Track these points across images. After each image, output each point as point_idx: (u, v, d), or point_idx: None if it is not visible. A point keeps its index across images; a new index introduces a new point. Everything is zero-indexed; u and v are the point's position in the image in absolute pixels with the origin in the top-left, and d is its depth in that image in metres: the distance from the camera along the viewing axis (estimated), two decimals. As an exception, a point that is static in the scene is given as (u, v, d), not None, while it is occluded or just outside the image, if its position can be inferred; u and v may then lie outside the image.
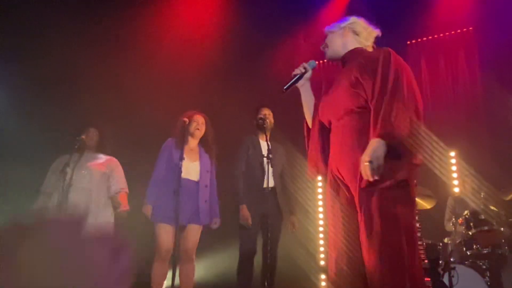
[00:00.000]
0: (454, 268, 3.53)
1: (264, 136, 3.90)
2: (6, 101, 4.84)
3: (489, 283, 3.64)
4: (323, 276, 5.27)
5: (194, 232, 3.67)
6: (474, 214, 4.01)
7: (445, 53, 5.51)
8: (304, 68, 2.37)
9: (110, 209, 3.76)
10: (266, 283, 3.56)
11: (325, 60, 2.52)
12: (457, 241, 4.14)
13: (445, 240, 4.28)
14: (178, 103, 4.27)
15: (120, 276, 0.80)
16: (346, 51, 2.30)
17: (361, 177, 1.95)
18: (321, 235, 5.44)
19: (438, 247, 3.80)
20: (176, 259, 3.30)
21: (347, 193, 2.09)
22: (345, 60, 2.30)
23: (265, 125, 3.94)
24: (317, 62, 2.48)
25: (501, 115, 4.65)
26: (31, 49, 4.86)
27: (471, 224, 3.97)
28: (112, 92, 5.00)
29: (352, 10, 5.72)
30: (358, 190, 1.97)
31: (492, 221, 3.94)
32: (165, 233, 3.61)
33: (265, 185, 3.88)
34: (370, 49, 2.32)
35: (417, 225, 3.18)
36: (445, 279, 3.52)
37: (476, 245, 3.92)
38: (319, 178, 5.64)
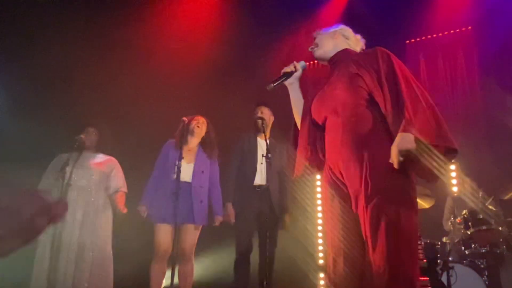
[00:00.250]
0: (452, 267, 3.54)
1: (263, 135, 3.91)
2: (4, 101, 4.83)
3: (487, 282, 3.65)
4: (321, 275, 5.28)
5: (190, 232, 3.68)
6: (472, 213, 4.02)
7: (444, 52, 5.52)
8: (295, 67, 2.37)
9: (110, 209, 3.77)
10: (265, 283, 3.56)
11: (315, 62, 2.49)
12: (456, 240, 4.15)
13: (444, 239, 4.29)
14: (178, 103, 4.28)
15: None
16: (335, 51, 2.32)
17: (366, 180, 1.93)
18: (319, 234, 5.44)
19: (437, 246, 3.82)
20: (175, 259, 3.31)
21: (346, 191, 2.07)
22: (335, 60, 2.31)
23: (262, 124, 3.95)
24: (307, 63, 2.48)
25: (499, 114, 4.65)
26: (29, 49, 4.85)
27: (470, 223, 3.98)
28: (111, 91, 5.00)
29: (351, 10, 5.73)
30: (364, 192, 1.94)
31: (490, 221, 3.94)
32: (163, 234, 3.63)
33: (256, 183, 3.90)
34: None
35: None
36: (444, 278, 3.53)
37: (474, 244, 3.93)
38: (318, 177, 5.64)
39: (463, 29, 5.42)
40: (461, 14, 5.33)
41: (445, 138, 1.94)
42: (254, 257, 3.92)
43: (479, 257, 3.87)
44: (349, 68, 2.13)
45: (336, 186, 2.11)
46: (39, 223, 0.82)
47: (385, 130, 2.01)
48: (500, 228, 3.93)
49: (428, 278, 3.51)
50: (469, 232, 3.97)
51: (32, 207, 0.82)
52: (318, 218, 5.52)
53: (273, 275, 3.81)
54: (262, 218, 3.79)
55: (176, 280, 3.30)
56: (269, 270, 3.66)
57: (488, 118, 4.97)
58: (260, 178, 3.93)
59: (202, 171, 3.78)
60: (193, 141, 3.88)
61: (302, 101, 2.39)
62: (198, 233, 3.77)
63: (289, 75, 2.36)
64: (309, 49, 2.41)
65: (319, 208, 5.55)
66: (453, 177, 5.02)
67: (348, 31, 2.40)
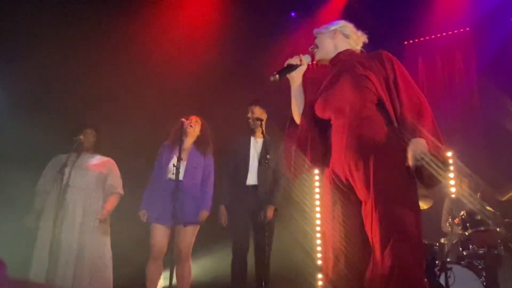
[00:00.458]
0: (450, 269, 3.54)
1: (256, 134, 3.95)
2: (3, 101, 4.83)
3: (485, 283, 3.65)
4: (320, 276, 5.28)
5: (186, 233, 3.66)
6: (470, 214, 4.02)
7: (442, 54, 5.53)
8: (300, 60, 2.29)
9: (107, 210, 3.77)
10: (263, 283, 3.56)
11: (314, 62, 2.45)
12: (454, 242, 4.15)
13: (442, 240, 4.30)
14: (175, 104, 4.28)
15: None
16: (337, 52, 2.29)
17: (372, 182, 1.92)
18: (318, 235, 5.44)
19: (435, 247, 3.81)
20: (173, 259, 3.31)
21: (349, 194, 2.05)
22: (337, 60, 2.28)
23: (253, 124, 3.98)
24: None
25: (497, 115, 4.66)
26: (28, 49, 4.85)
27: (468, 224, 3.98)
28: (109, 93, 5.00)
29: (350, 10, 5.73)
30: (370, 195, 1.93)
31: (488, 222, 3.95)
32: (157, 234, 3.65)
33: (248, 183, 3.90)
34: (358, 52, 2.34)
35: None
36: (442, 280, 3.53)
37: (472, 245, 3.93)
38: (317, 178, 5.64)
39: (461, 30, 5.43)
40: (459, 15, 5.34)
41: (443, 143, 1.98)
42: (252, 257, 3.92)
43: (477, 258, 3.87)
44: (354, 69, 2.11)
45: (340, 189, 2.09)
46: None
47: (391, 132, 2.01)
48: (498, 229, 3.94)
49: (426, 279, 3.50)
50: (467, 233, 3.97)
51: None
52: (317, 218, 5.53)
53: (270, 275, 3.81)
54: (256, 217, 3.80)
55: (174, 280, 3.30)
56: (265, 270, 3.65)
57: (485, 119, 4.98)
58: (252, 178, 3.94)
59: (195, 167, 3.77)
60: (188, 141, 3.89)
61: (303, 96, 2.33)
62: (194, 233, 3.77)
63: (294, 67, 2.27)
64: (310, 50, 2.37)
65: (318, 209, 5.56)
66: (451, 178, 5.03)
67: (348, 28, 2.35)
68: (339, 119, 2.12)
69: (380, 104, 2.05)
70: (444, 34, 5.52)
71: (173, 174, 3.42)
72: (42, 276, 3.39)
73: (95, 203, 3.70)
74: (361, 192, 1.99)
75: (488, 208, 4.04)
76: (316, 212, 5.54)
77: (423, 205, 4.07)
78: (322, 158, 2.21)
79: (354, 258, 1.99)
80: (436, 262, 3.63)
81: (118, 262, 3.82)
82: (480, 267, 3.78)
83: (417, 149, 1.89)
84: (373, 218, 1.91)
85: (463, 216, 4.06)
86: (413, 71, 5.35)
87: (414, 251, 1.86)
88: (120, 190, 3.87)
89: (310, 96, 2.32)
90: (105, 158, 3.90)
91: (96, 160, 3.84)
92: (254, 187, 3.90)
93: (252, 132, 4.07)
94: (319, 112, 2.22)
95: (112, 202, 3.79)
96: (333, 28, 2.33)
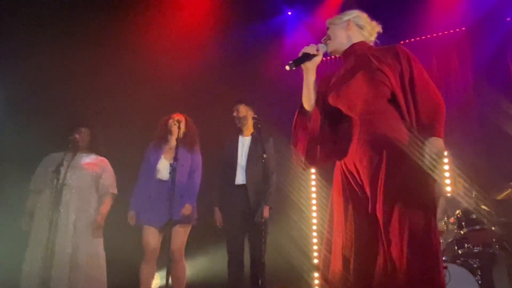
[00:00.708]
0: (445, 267, 3.55)
1: (243, 132, 4.00)
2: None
3: (480, 282, 3.67)
4: (316, 274, 5.29)
5: (177, 232, 3.64)
6: (465, 213, 4.04)
7: (438, 53, 5.53)
8: (317, 49, 2.16)
9: (101, 210, 3.77)
10: (259, 282, 3.57)
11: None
12: (449, 240, 4.17)
13: (437, 239, 4.30)
14: (170, 104, 4.28)
15: None
16: (350, 43, 2.21)
17: (385, 179, 1.87)
18: (314, 233, 5.46)
19: (430, 246, 3.82)
20: (169, 259, 3.31)
21: (360, 192, 1.99)
22: (350, 52, 2.20)
23: (238, 123, 4.00)
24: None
25: (492, 115, 4.68)
26: (24, 49, 4.84)
27: (463, 223, 4.00)
28: (103, 92, 4.99)
29: (346, 9, 5.72)
30: (383, 192, 1.87)
31: (484, 220, 3.96)
32: (149, 235, 3.67)
33: (237, 183, 3.91)
34: (372, 44, 2.27)
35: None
36: (437, 278, 3.54)
37: (467, 244, 3.94)
38: (313, 177, 5.65)
39: (457, 30, 5.44)
40: (455, 15, 5.34)
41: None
42: (248, 256, 3.92)
43: (473, 257, 3.88)
44: (369, 63, 2.05)
45: (351, 187, 2.03)
46: None
47: (404, 127, 1.96)
48: (493, 228, 3.95)
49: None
50: (462, 232, 3.99)
51: None
52: (313, 217, 5.54)
53: (266, 274, 3.81)
54: (248, 217, 3.81)
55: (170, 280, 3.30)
56: (261, 269, 3.65)
57: (481, 119, 4.99)
58: (241, 177, 3.93)
59: (182, 165, 3.74)
60: (173, 139, 3.88)
61: (315, 88, 2.21)
62: (186, 232, 3.76)
63: (310, 57, 2.14)
64: (322, 41, 2.28)
65: (314, 208, 5.57)
66: (447, 177, 5.05)
67: (362, 18, 2.27)
68: (351, 113, 2.06)
69: (393, 99, 2.00)
70: (440, 34, 5.52)
71: (169, 174, 3.43)
72: (34, 277, 3.36)
73: (88, 203, 3.70)
74: (371, 188, 1.93)
75: (483, 207, 4.05)
76: (313, 211, 5.55)
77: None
78: (332, 152, 2.14)
79: (363, 258, 1.92)
80: (432, 261, 3.63)
81: (111, 263, 3.82)
82: (475, 265, 3.79)
83: (436, 147, 1.85)
84: (384, 215, 1.84)
85: (458, 215, 4.08)
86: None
87: (428, 256, 1.79)
88: (113, 190, 3.86)
89: (322, 86, 2.22)
90: (99, 158, 3.89)
91: (90, 159, 3.84)
92: (243, 186, 3.90)
93: (240, 131, 4.08)
94: (330, 106, 2.15)
95: (106, 204, 3.79)
96: (346, 18, 2.26)
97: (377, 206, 1.89)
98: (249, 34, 5.76)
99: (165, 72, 5.27)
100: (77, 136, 3.73)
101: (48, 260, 3.29)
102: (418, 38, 5.65)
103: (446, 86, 5.45)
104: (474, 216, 3.97)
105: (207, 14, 5.77)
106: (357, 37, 2.22)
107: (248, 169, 3.91)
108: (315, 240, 5.43)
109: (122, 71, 5.13)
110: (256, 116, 3.98)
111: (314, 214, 5.53)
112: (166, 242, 3.70)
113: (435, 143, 1.87)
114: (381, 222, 1.86)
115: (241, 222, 3.91)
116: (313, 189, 5.63)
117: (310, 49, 2.15)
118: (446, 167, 5.05)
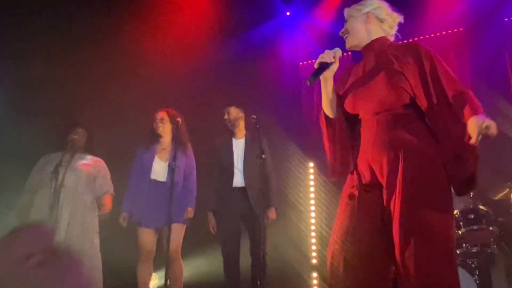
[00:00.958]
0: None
1: (236, 135, 3.98)
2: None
3: (478, 282, 3.68)
4: (314, 275, 5.29)
5: (174, 233, 3.62)
6: (463, 213, 4.04)
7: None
8: (334, 56, 2.02)
9: (96, 210, 3.75)
10: (258, 282, 3.58)
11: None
12: (447, 240, 4.17)
13: (435, 239, 4.31)
14: (168, 106, 4.28)
15: None
16: (370, 39, 2.09)
17: (401, 179, 1.81)
18: (313, 234, 5.46)
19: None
20: (167, 259, 3.32)
21: (372, 192, 1.93)
22: (369, 49, 2.09)
23: (230, 126, 3.99)
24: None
25: (490, 115, 4.68)
26: (21, 49, 4.83)
27: (461, 223, 4.00)
28: (100, 93, 4.99)
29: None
30: (399, 192, 1.80)
31: (482, 220, 3.97)
32: (145, 236, 3.67)
33: (235, 185, 3.90)
34: (392, 38, 2.17)
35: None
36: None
37: (465, 244, 3.96)
38: (311, 177, 5.66)
39: (455, 30, 5.45)
40: (453, 15, 5.35)
41: None
42: (247, 257, 3.93)
43: (470, 256, 3.90)
44: (389, 64, 1.96)
45: (364, 192, 1.95)
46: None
47: (423, 130, 1.90)
48: (491, 228, 3.96)
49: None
50: (460, 232, 4.00)
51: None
52: (312, 217, 5.54)
53: (266, 274, 3.82)
54: (247, 218, 3.81)
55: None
56: (260, 269, 3.66)
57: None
58: (239, 180, 3.92)
59: (178, 166, 3.72)
60: (163, 140, 3.88)
61: (335, 96, 2.09)
62: (182, 232, 3.76)
63: (328, 65, 2.01)
64: (340, 34, 2.17)
65: (313, 208, 5.57)
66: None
67: (383, 11, 2.12)
68: (368, 117, 1.99)
69: (412, 101, 1.93)
70: (438, 34, 5.53)
71: (167, 175, 3.43)
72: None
73: (82, 204, 3.67)
74: (387, 191, 1.87)
75: (481, 207, 4.07)
76: (311, 212, 5.56)
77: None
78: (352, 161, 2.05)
79: (374, 261, 1.86)
80: (430, 261, 3.64)
81: (107, 262, 3.82)
82: (473, 265, 3.81)
83: (479, 122, 1.71)
84: (400, 216, 1.78)
85: (456, 215, 4.09)
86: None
87: (445, 261, 1.73)
88: (111, 190, 3.85)
89: (339, 88, 2.12)
90: (95, 158, 3.88)
91: (86, 160, 3.83)
92: (242, 189, 3.89)
93: (232, 134, 4.06)
94: (348, 108, 2.07)
95: (108, 202, 3.77)
96: (366, 10, 2.11)
97: (395, 206, 1.83)
98: (248, 35, 5.77)
99: (163, 74, 5.27)
100: (75, 136, 3.73)
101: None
102: (416, 39, 5.66)
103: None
104: (472, 216, 3.98)
105: (205, 15, 5.77)
106: (377, 32, 2.10)
107: (246, 171, 3.89)
108: (313, 240, 5.43)
109: (119, 73, 5.13)
110: (254, 116, 3.98)
111: (313, 214, 5.54)
112: (161, 242, 3.73)
113: (477, 119, 1.74)
114: (398, 221, 1.79)
115: (238, 225, 3.91)
116: (312, 189, 5.64)
117: (326, 56, 2.01)
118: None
